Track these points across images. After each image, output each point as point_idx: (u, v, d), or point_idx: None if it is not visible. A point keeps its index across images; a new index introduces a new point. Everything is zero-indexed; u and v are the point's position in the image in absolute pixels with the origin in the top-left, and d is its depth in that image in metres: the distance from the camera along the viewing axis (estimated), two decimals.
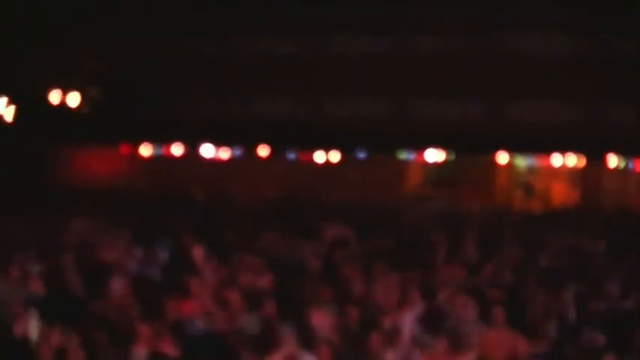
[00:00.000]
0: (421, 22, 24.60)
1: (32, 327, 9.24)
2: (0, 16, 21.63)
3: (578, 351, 9.22)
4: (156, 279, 11.50)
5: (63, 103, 22.42)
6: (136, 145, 25.96)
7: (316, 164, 25.00)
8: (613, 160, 23.22)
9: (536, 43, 23.93)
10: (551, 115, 23.83)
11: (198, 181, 25.05)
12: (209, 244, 12.98)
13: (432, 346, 8.65)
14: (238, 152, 25.57)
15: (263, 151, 24.91)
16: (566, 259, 13.23)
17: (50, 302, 9.99)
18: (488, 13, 24.07)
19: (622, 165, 23.36)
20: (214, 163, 25.74)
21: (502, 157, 24.10)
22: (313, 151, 24.86)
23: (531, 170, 25.00)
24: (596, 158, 23.46)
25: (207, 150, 25.39)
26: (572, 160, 23.73)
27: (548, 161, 24.01)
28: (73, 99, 22.43)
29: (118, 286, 10.49)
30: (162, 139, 25.58)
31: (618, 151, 23.07)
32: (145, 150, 26.02)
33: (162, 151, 26.02)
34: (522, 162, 24.83)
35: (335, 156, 24.80)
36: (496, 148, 23.89)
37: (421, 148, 24.23)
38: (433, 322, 9.44)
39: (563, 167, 24.18)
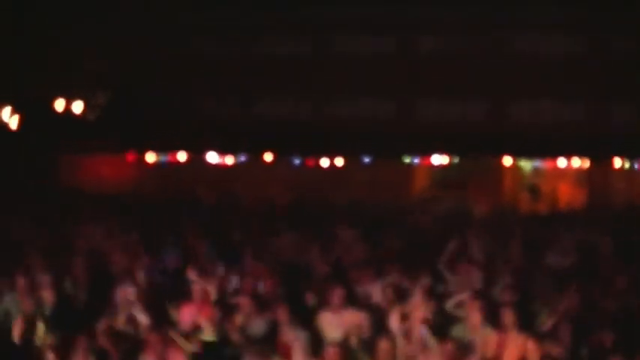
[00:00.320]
0: (421, 22, 24.63)
1: (40, 336, 9.25)
2: (0, 17, 21.69)
3: (588, 351, 9.19)
4: (165, 286, 11.49)
5: (67, 110, 22.42)
6: (142, 153, 25.98)
7: (322, 167, 24.98)
8: (618, 162, 23.17)
9: (537, 43, 23.93)
10: (551, 116, 23.83)
11: (204, 184, 25.04)
12: (216, 245, 13.00)
13: (438, 350, 8.63)
14: (243, 159, 25.54)
15: (268, 156, 24.88)
16: (575, 257, 13.18)
17: (59, 311, 10.00)
18: (488, 13, 24.08)
19: (627, 165, 23.31)
20: (220, 167, 25.73)
21: (507, 160, 24.06)
22: (317, 156, 24.80)
23: (537, 172, 24.93)
24: (600, 160, 23.42)
25: (212, 157, 25.41)
26: (577, 162, 23.67)
27: (554, 163, 23.96)
28: (78, 106, 22.42)
29: (127, 293, 10.46)
30: (166, 147, 25.57)
31: (622, 153, 23.01)
32: (151, 157, 26.03)
33: (168, 157, 26.02)
34: (528, 164, 24.77)
35: (339, 161, 24.75)
36: (499, 151, 23.84)
37: (425, 152, 24.16)
38: (440, 324, 9.41)
39: (569, 168, 24.11)
